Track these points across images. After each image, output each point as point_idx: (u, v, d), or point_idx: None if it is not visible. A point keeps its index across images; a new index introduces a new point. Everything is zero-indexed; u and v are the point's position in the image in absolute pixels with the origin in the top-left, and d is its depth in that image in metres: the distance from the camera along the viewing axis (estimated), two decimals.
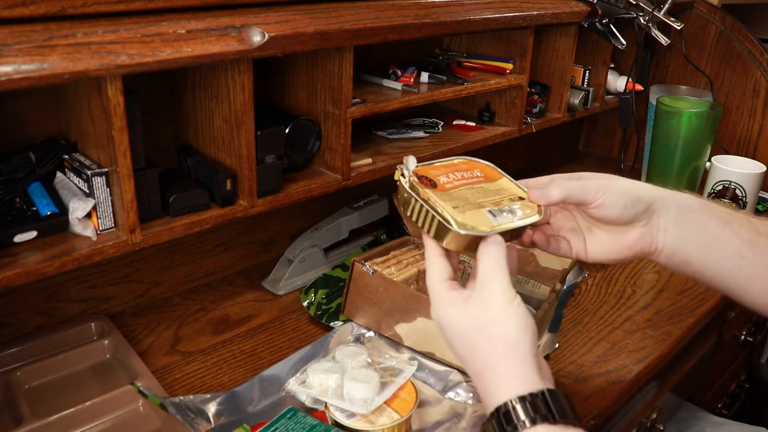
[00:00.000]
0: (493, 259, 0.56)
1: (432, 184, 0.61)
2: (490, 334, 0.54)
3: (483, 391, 0.54)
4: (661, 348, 0.87)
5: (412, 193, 0.60)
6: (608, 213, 0.61)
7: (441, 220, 0.57)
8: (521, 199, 0.62)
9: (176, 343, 0.86)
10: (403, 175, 0.61)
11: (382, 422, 0.67)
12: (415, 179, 0.61)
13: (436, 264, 0.59)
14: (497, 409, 0.51)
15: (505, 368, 0.53)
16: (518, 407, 0.50)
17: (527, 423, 0.50)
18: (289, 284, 0.99)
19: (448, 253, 0.60)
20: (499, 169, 0.67)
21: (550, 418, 0.50)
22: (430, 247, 0.60)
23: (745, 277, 0.61)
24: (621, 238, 0.63)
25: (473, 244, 0.58)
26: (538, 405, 0.50)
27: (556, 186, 0.61)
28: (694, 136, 1.19)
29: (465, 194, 0.61)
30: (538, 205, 0.62)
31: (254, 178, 0.77)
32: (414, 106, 0.96)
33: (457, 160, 0.66)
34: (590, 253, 0.65)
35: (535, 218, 0.60)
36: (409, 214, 0.61)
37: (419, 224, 0.60)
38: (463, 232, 0.56)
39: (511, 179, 0.65)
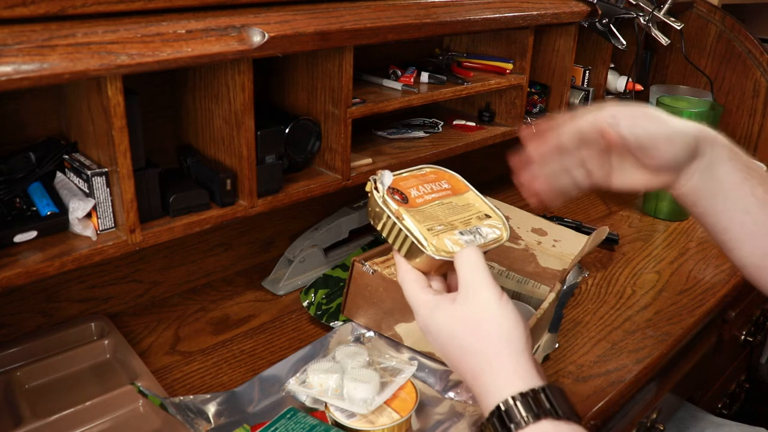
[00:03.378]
0: (472, 262, 0.56)
1: (404, 199, 0.62)
2: (483, 331, 0.53)
3: (481, 391, 0.54)
4: (661, 348, 0.87)
5: (385, 209, 0.60)
6: (662, 163, 0.61)
7: (415, 241, 0.58)
8: (488, 216, 0.64)
9: (176, 343, 0.86)
10: (376, 188, 0.61)
11: (382, 422, 0.67)
12: (388, 194, 0.61)
13: (410, 275, 0.60)
14: (497, 407, 0.50)
15: (503, 365, 0.52)
16: (519, 404, 0.50)
17: (530, 419, 0.49)
18: (289, 284, 0.99)
19: None
20: (465, 180, 0.68)
21: (553, 414, 0.49)
22: (401, 261, 0.61)
23: (743, 234, 0.62)
24: (651, 177, 0.63)
25: (444, 266, 0.59)
26: (540, 401, 0.50)
27: (625, 128, 0.60)
28: None
29: (436, 212, 0.62)
30: (504, 221, 0.64)
31: (254, 178, 0.77)
32: (414, 106, 0.96)
33: (426, 169, 0.68)
34: (614, 183, 0.65)
35: (504, 240, 0.62)
36: (380, 228, 0.61)
37: (390, 240, 0.61)
38: (437, 257, 0.57)
39: (477, 192, 0.67)
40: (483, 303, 0.54)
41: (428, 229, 0.59)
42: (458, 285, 0.56)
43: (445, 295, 0.58)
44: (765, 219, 0.61)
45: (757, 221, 0.61)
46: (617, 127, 0.60)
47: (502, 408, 0.50)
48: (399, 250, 0.60)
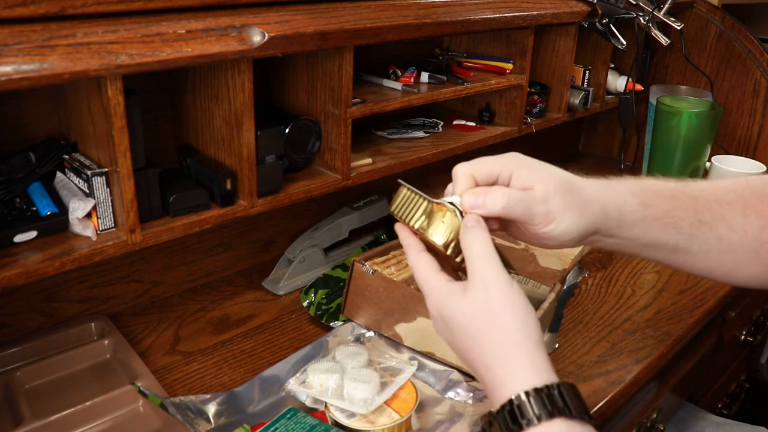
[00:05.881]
0: (479, 244, 0.53)
1: None
2: (499, 321, 0.51)
3: (494, 382, 0.51)
4: (661, 348, 0.87)
5: (404, 184, 0.59)
6: (549, 242, 0.58)
7: (427, 198, 0.56)
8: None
9: (176, 343, 0.86)
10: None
11: (382, 422, 0.67)
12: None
13: (422, 259, 0.57)
14: (510, 401, 0.48)
15: (519, 356, 0.50)
16: (533, 399, 0.47)
17: (544, 416, 0.47)
18: (289, 284, 0.99)
19: (429, 250, 0.58)
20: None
21: (567, 413, 0.47)
22: (412, 245, 0.58)
23: (680, 262, 0.61)
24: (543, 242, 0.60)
25: (454, 252, 0.56)
26: (554, 398, 0.48)
27: (503, 195, 0.54)
28: (694, 136, 1.19)
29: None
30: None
31: (254, 178, 0.77)
32: (414, 106, 0.96)
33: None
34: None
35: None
36: (394, 206, 0.59)
37: (404, 214, 0.58)
38: (436, 201, 0.56)
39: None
40: (496, 292, 0.51)
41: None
42: (468, 271, 0.53)
43: (457, 282, 0.55)
44: (697, 248, 0.59)
45: (688, 252, 0.59)
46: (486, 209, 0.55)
47: (515, 402, 0.48)
48: (414, 217, 0.57)
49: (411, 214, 0.59)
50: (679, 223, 0.59)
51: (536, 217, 0.55)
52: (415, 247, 0.58)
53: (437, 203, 0.56)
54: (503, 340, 0.51)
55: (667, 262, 0.62)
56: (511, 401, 0.48)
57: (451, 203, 0.56)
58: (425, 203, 0.57)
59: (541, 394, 0.48)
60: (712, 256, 0.60)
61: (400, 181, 0.61)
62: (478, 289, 0.52)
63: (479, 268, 0.52)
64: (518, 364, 0.50)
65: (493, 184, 0.57)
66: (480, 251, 0.53)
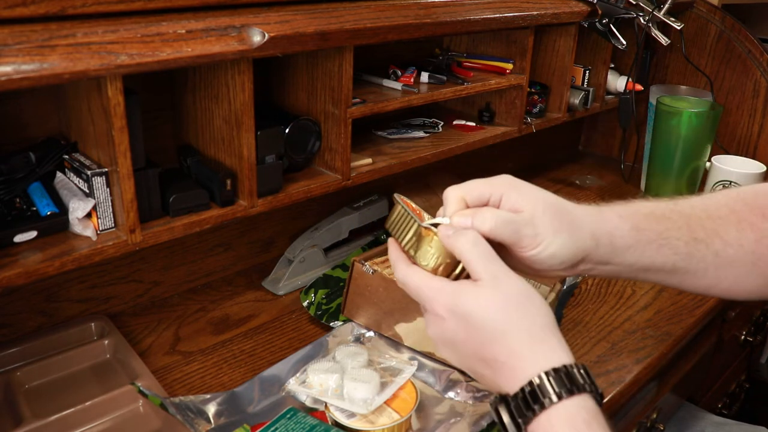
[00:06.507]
0: (479, 245, 0.52)
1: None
2: (523, 308, 0.50)
3: (517, 365, 0.49)
4: (661, 348, 0.87)
5: (399, 200, 0.59)
6: (537, 267, 0.57)
7: (417, 221, 0.56)
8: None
9: (176, 343, 0.86)
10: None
11: (382, 422, 0.67)
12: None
13: (414, 269, 0.56)
14: (530, 383, 0.48)
15: (545, 340, 0.50)
16: (552, 380, 0.47)
17: (564, 394, 0.47)
18: (289, 284, 0.99)
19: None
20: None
21: (594, 391, 0.48)
22: (401, 258, 0.57)
23: (678, 282, 0.61)
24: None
25: (444, 256, 0.56)
26: (579, 376, 0.48)
27: (492, 216, 0.54)
28: (694, 136, 1.19)
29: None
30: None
31: (254, 178, 0.77)
32: (414, 106, 0.96)
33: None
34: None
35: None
36: (389, 223, 0.60)
37: (396, 233, 0.59)
38: (425, 225, 0.56)
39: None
40: (510, 281, 0.51)
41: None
42: (474, 271, 0.52)
43: (461, 281, 0.53)
44: (695, 267, 0.59)
45: (687, 271, 0.59)
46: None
47: (562, 371, 0.48)
48: (404, 237, 0.58)
49: (402, 234, 0.59)
50: (674, 243, 0.58)
51: (524, 239, 0.54)
52: (405, 261, 0.57)
53: (425, 227, 0.56)
54: (530, 326, 0.50)
55: (666, 283, 0.61)
56: (540, 376, 0.48)
57: (441, 225, 0.56)
58: (415, 226, 0.57)
59: (572, 370, 0.48)
60: (710, 273, 0.59)
61: (396, 196, 0.61)
62: (491, 285, 0.51)
63: (485, 266, 0.52)
64: (547, 347, 0.50)
65: (483, 206, 0.56)
66: (481, 251, 0.52)
